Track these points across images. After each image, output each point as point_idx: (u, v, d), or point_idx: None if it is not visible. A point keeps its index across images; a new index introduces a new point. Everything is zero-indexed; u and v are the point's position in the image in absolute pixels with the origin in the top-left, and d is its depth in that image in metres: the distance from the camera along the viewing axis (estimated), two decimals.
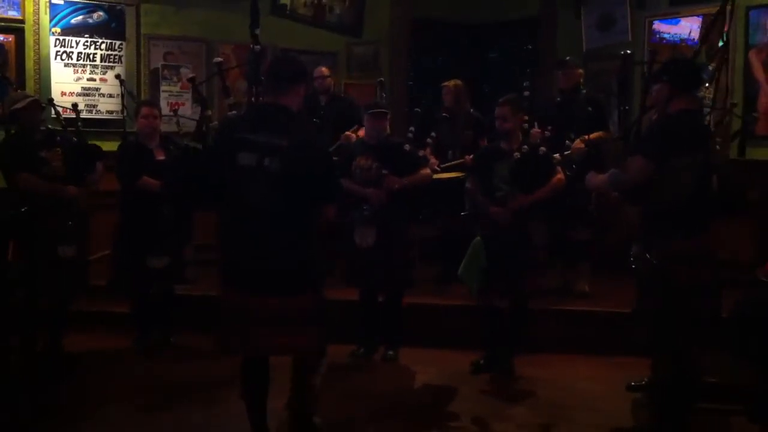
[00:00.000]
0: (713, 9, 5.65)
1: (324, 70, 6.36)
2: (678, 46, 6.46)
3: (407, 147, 4.81)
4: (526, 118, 4.72)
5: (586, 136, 4.65)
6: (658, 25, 6.70)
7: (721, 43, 5.43)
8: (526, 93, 5.13)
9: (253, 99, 4.99)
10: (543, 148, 4.56)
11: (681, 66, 3.80)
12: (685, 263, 3.41)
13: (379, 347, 4.92)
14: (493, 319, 4.61)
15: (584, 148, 4.80)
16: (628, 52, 5.46)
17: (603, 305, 5.23)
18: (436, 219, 5.87)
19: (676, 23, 6.58)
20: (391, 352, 4.88)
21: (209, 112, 5.13)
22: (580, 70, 5.64)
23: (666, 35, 6.62)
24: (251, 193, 3.11)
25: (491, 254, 4.47)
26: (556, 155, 4.73)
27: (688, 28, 6.50)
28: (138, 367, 4.76)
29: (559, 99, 5.64)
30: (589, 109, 5.29)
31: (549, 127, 5.04)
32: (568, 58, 5.69)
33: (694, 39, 6.38)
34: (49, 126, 4.84)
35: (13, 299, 4.54)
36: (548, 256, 4.73)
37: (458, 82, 5.92)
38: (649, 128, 3.81)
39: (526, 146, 4.49)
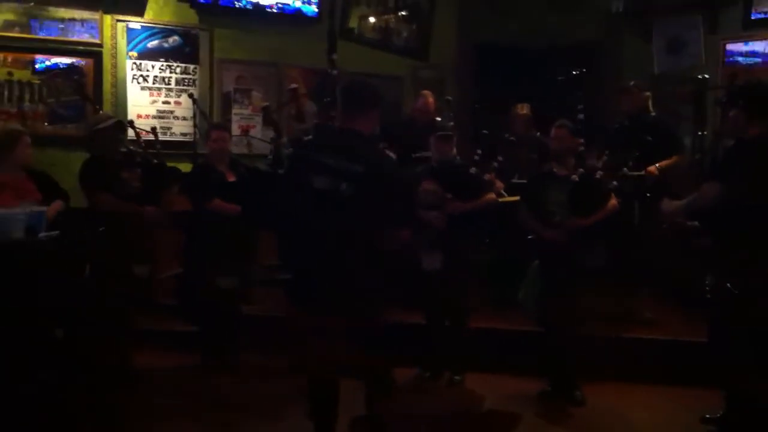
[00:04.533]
0: None
1: (430, 102, 5.99)
2: (753, 69, 6.31)
3: (473, 170, 4.81)
4: (581, 141, 4.67)
5: (659, 164, 4.54)
6: (731, 48, 6.57)
7: None
8: (580, 116, 5.08)
9: (329, 123, 5.03)
10: (600, 173, 4.49)
11: (757, 90, 3.72)
12: (765, 293, 3.31)
13: (445, 372, 4.89)
14: (554, 344, 4.54)
15: (657, 174, 4.75)
16: (706, 76, 5.33)
17: (666, 333, 5.10)
18: (500, 242, 5.82)
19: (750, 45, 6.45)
20: (457, 377, 4.84)
21: (284, 140, 5.16)
22: (647, 93, 5.48)
23: (740, 58, 6.48)
24: (323, 215, 3.15)
25: (546, 278, 4.43)
26: (614, 182, 4.66)
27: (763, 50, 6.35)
28: (204, 386, 4.81)
29: (625, 123, 5.52)
30: (649, 138, 5.14)
31: (606, 152, 4.97)
32: (632, 82, 5.58)
33: None
34: (131, 147, 4.96)
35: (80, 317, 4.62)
36: (608, 281, 4.64)
37: (528, 108, 5.88)
38: (725, 154, 3.74)
39: (582, 170, 4.44)
